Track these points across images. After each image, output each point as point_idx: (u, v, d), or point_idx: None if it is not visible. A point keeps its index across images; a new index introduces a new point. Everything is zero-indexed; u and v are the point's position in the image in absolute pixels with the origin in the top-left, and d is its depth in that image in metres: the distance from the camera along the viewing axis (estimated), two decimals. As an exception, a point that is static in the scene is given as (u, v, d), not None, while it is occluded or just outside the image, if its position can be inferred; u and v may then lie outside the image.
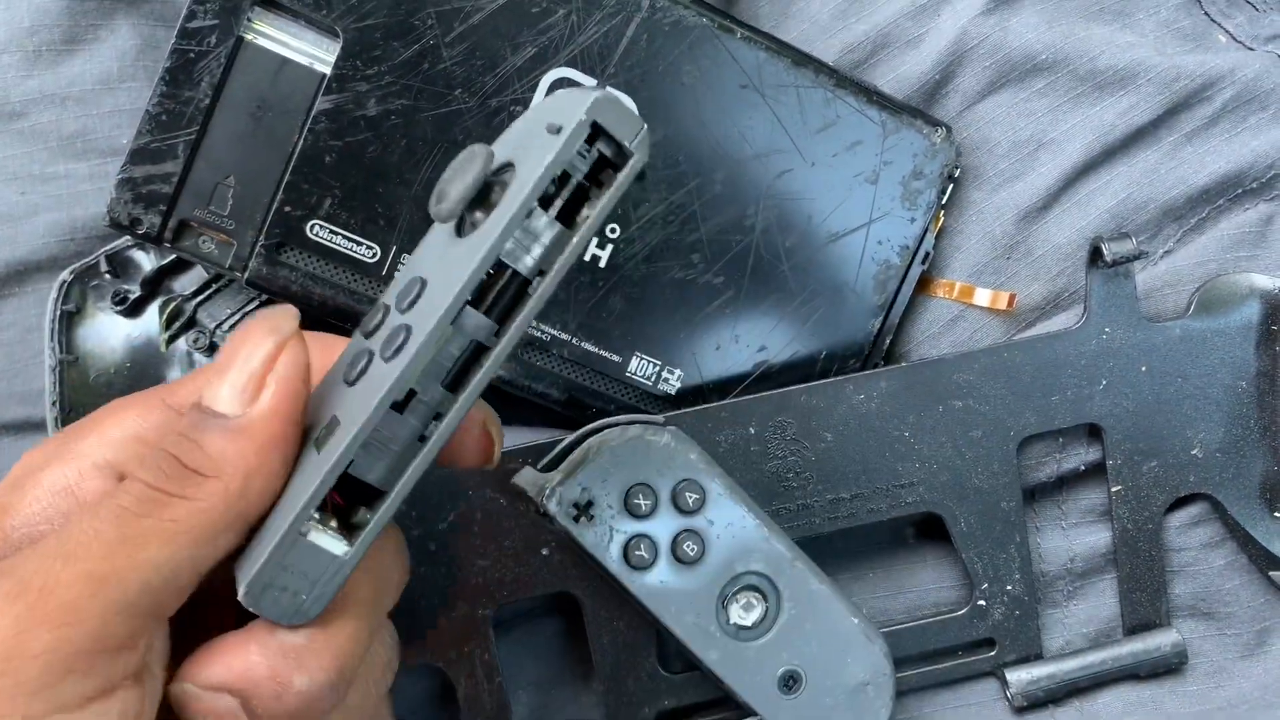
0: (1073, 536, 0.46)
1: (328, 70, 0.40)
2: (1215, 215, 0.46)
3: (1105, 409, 0.44)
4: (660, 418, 0.41)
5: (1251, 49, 0.49)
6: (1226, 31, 0.49)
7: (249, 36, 0.40)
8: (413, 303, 0.29)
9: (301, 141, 0.40)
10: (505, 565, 0.42)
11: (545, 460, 0.40)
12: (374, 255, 0.42)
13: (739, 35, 0.42)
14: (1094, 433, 0.45)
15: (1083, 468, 0.45)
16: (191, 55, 0.39)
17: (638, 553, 0.39)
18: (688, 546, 0.39)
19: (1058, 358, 0.44)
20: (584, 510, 0.39)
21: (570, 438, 0.40)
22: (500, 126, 0.41)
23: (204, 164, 0.40)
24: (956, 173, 0.45)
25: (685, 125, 0.42)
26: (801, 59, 0.43)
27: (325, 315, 0.42)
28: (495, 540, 0.42)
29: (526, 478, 0.39)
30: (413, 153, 0.41)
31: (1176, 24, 0.49)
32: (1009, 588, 0.45)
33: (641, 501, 0.39)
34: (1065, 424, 0.44)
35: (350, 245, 0.41)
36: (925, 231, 0.45)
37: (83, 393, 0.45)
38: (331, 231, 0.41)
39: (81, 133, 0.45)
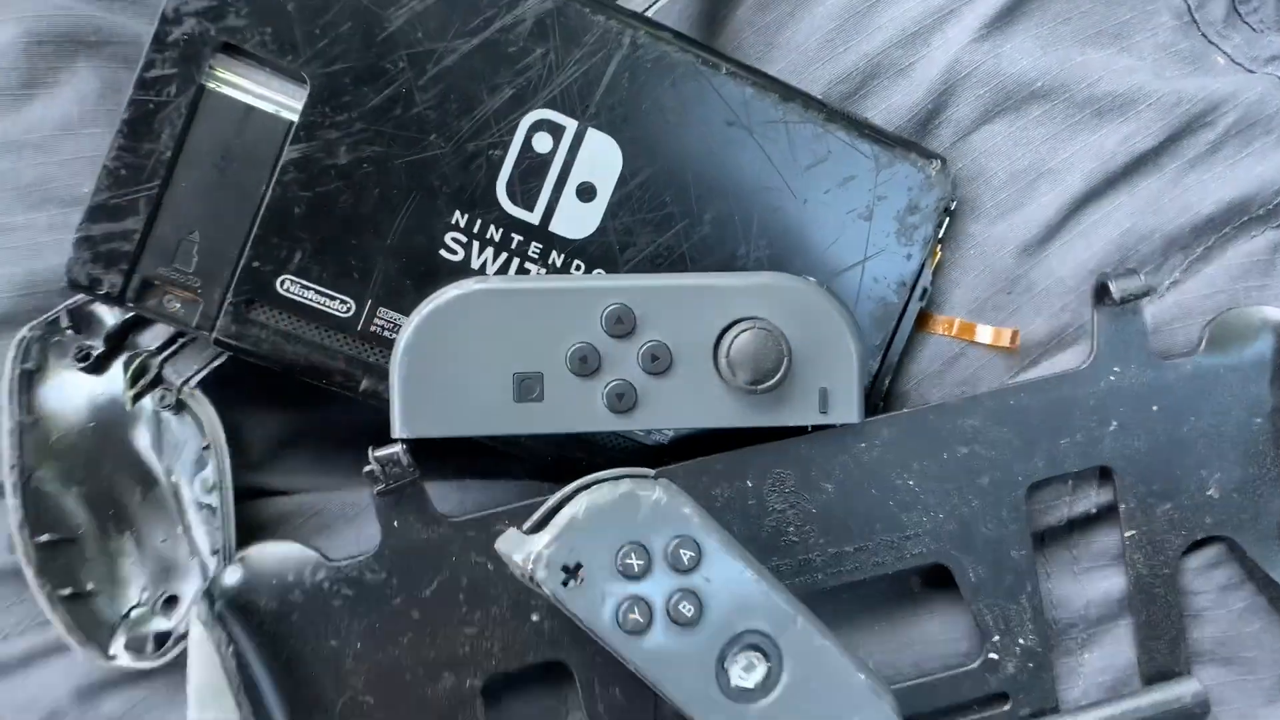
0: (1085, 582, 0.44)
1: (295, 118, 0.38)
2: (1222, 244, 0.45)
3: (1116, 451, 0.43)
4: (651, 471, 0.39)
5: (1251, 71, 0.47)
6: (1225, 53, 0.48)
7: (211, 85, 0.38)
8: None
9: (269, 193, 0.39)
10: (493, 633, 0.40)
11: (531, 521, 0.38)
12: (348, 310, 0.40)
13: (724, 71, 0.41)
14: (1105, 474, 0.43)
15: (1094, 510, 0.44)
16: (151, 106, 0.38)
17: (631, 616, 0.37)
18: (684, 607, 0.37)
19: (1066, 399, 0.42)
20: (573, 573, 0.37)
21: (556, 496, 0.38)
22: (478, 172, 0.40)
23: (167, 219, 0.38)
24: (953, 206, 0.44)
25: (671, 165, 0.41)
26: (790, 93, 0.42)
27: (299, 374, 0.40)
28: (482, 607, 0.40)
29: (511, 541, 0.37)
30: (387, 202, 0.39)
31: (1174, 46, 0.47)
32: (1021, 640, 0.43)
33: (634, 561, 0.37)
34: (1075, 468, 0.43)
35: (323, 300, 0.40)
36: (922, 267, 0.43)
37: (44, 455, 0.43)
38: (303, 286, 0.39)
39: (40, 181, 0.43)
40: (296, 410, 0.46)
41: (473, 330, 0.38)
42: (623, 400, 0.38)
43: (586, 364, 0.38)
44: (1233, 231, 0.45)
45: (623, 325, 0.38)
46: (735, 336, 0.38)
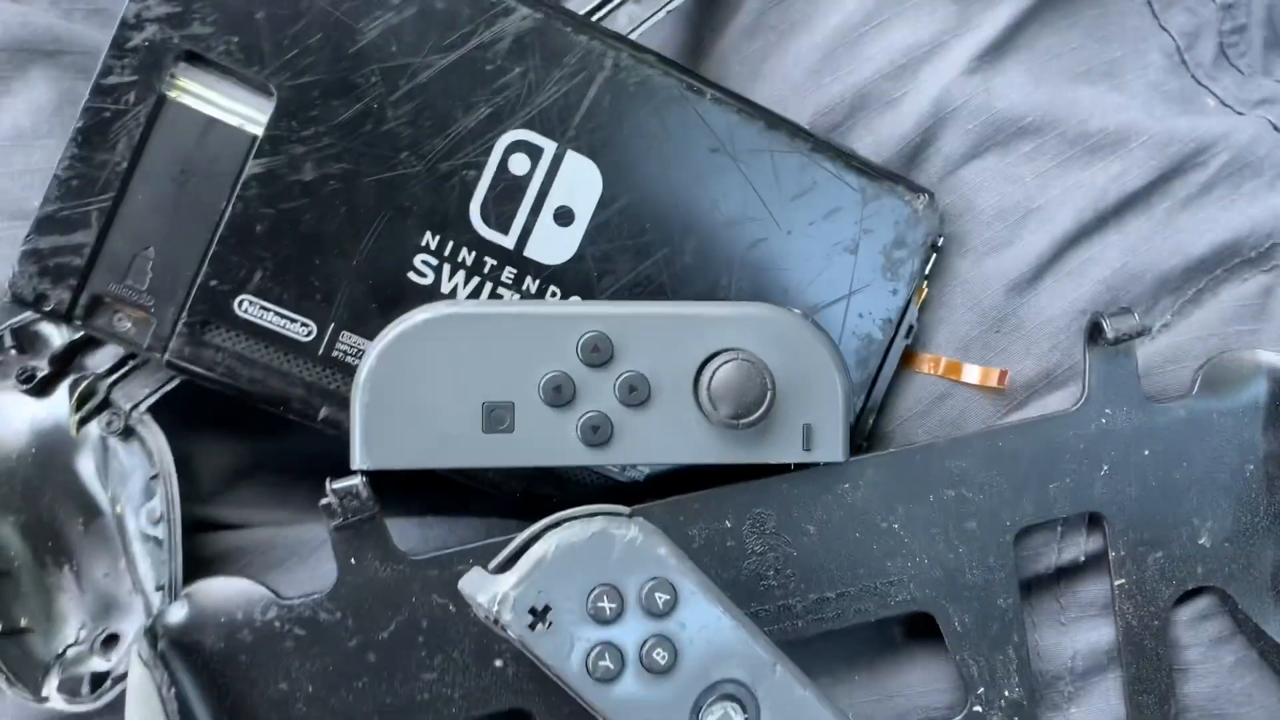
0: (1073, 633, 0.42)
1: (259, 131, 0.37)
2: (1213, 286, 0.44)
3: (1107, 496, 0.41)
4: (626, 509, 0.37)
5: (1241, 113, 0.47)
6: (1214, 95, 0.47)
7: (172, 94, 0.36)
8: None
9: (230, 209, 0.37)
10: (454, 679, 0.38)
11: (497, 560, 0.36)
12: (309, 334, 0.38)
13: (709, 96, 0.40)
14: (1094, 521, 0.42)
15: (1082, 558, 0.42)
16: (107, 114, 0.36)
17: (602, 663, 0.35)
18: (658, 654, 0.35)
19: (1056, 442, 0.41)
20: (541, 616, 0.35)
21: (525, 534, 0.36)
22: (451, 193, 0.38)
23: (120, 234, 0.36)
24: (940, 241, 0.42)
25: (652, 192, 0.39)
26: (776, 121, 0.40)
27: (255, 400, 0.38)
28: (443, 650, 0.38)
29: (476, 582, 0.35)
30: (353, 221, 0.37)
31: (1164, 86, 0.47)
32: (1006, 692, 0.41)
33: (606, 604, 0.35)
34: (1064, 513, 0.41)
35: (283, 323, 0.38)
36: (909, 304, 0.42)
37: (-18, 482, 0.40)
38: (262, 308, 0.37)
39: None
40: (251, 439, 0.44)
41: (440, 356, 0.36)
42: (598, 433, 0.37)
43: (560, 394, 0.36)
44: (1224, 274, 0.44)
45: (599, 354, 0.36)
46: (717, 368, 0.37)
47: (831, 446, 0.38)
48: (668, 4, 0.43)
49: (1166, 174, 0.44)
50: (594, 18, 0.42)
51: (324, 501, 0.36)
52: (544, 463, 0.37)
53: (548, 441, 0.37)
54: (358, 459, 0.36)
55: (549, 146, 0.38)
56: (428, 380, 0.36)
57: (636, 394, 0.37)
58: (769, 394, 0.37)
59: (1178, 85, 0.47)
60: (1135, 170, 0.44)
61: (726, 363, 0.37)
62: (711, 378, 0.37)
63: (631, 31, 0.42)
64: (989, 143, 0.44)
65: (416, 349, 0.36)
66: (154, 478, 0.40)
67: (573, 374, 0.36)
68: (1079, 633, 0.42)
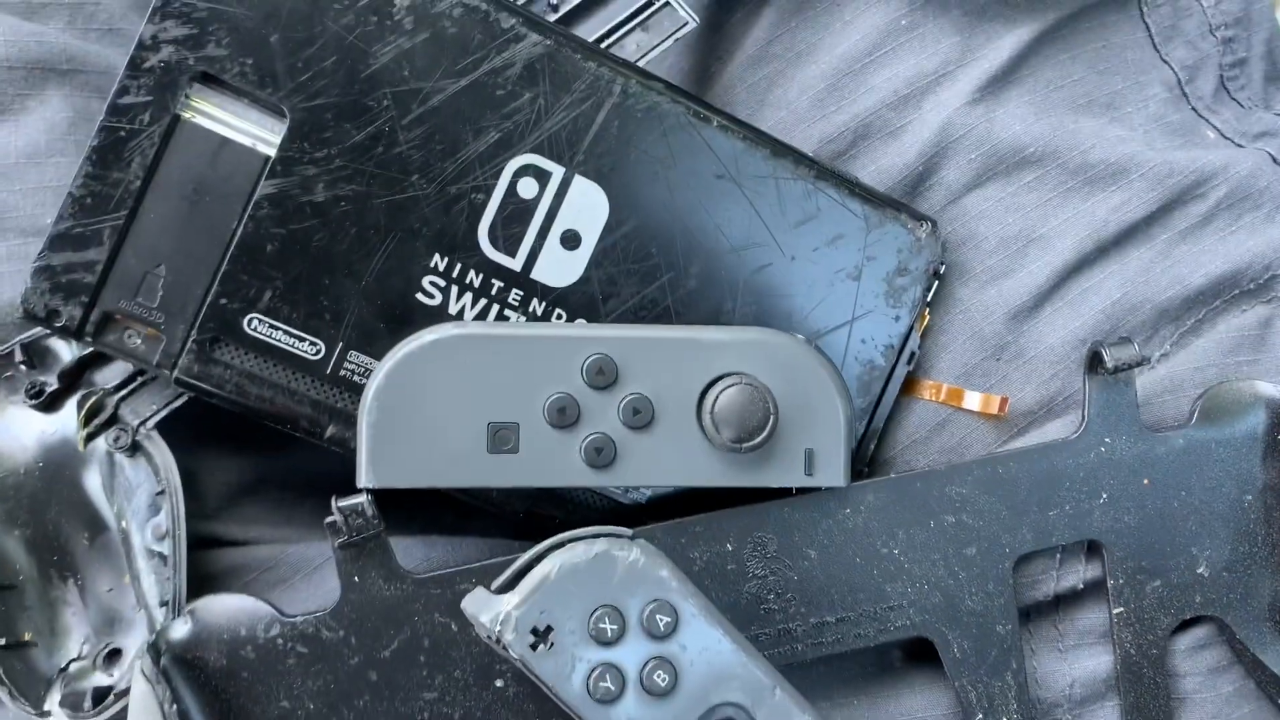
0: (1071, 660, 0.42)
1: (272, 152, 0.37)
2: (1212, 317, 0.44)
3: (1106, 524, 0.41)
4: (628, 531, 0.37)
5: (1241, 145, 0.47)
6: (1215, 127, 0.48)
7: (186, 115, 0.37)
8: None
9: (241, 228, 0.37)
10: (455, 699, 0.38)
11: (500, 580, 0.36)
12: (318, 352, 0.38)
13: (715, 123, 0.40)
14: (1093, 549, 0.42)
15: (1081, 586, 0.42)
16: (122, 134, 0.36)
17: (603, 684, 0.35)
18: (658, 676, 0.35)
19: (1055, 469, 0.41)
20: (543, 636, 0.35)
21: (528, 555, 0.36)
22: (460, 215, 0.38)
23: (132, 252, 0.37)
24: (942, 269, 0.43)
25: (658, 216, 0.40)
26: (780, 149, 0.41)
27: (262, 418, 0.38)
28: (444, 670, 0.38)
29: (479, 601, 0.35)
30: (363, 242, 0.38)
31: (1165, 118, 0.47)
32: (1005, 719, 0.41)
33: (608, 625, 0.35)
34: (1064, 540, 0.41)
35: (292, 341, 0.38)
36: (910, 330, 0.42)
37: (-10, 496, 0.41)
38: (271, 326, 0.38)
39: (1, 210, 0.42)
40: (256, 457, 0.44)
41: (447, 377, 0.36)
42: (601, 455, 0.37)
43: (565, 415, 0.36)
44: (1223, 305, 0.44)
45: (604, 376, 0.37)
46: (720, 392, 0.37)
47: (833, 471, 0.38)
48: (675, 32, 0.43)
49: (1166, 205, 0.45)
50: (603, 45, 0.42)
51: (329, 519, 0.37)
52: (547, 483, 0.37)
53: (552, 462, 0.37)
54: (364, 477, 0.36)
55: (557, 171, 0.39)
56: (434, 400, 0.36)
57: (640, 416, 0.37)
58: (771, 418, 0.37)
59: (1178, 118, 0.47)
60: (1135, 201, 0.44)
61: (730, 387, 0.37)
62: (715, 401, 0.37)
63: (639, 59, 0.42)
64: (991, 172, 0.45)
65: (423, 369, 0.36)
66: (160, 494, 0.40)
67: (577, 396, 0.37)
68: (1077, 660, 0.42)
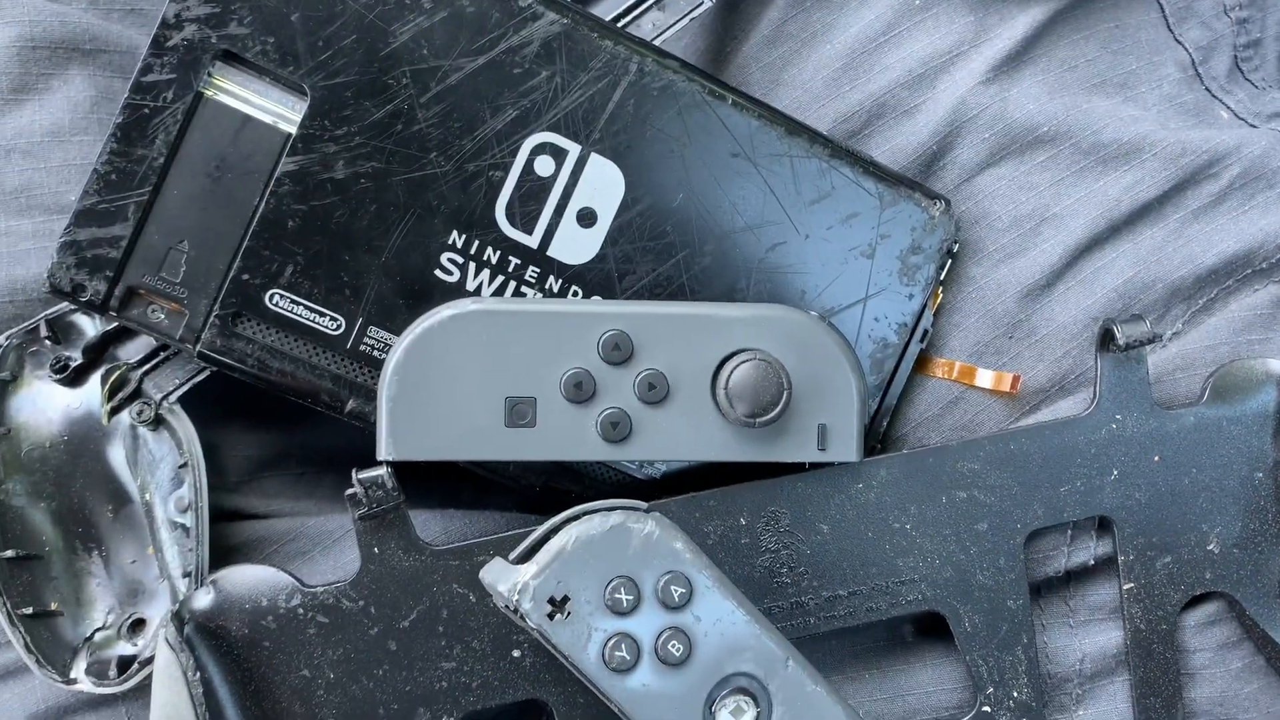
0: (1081, 635, 0.43)
1: (293, 130, 0.38)
2: (1224, 296, 0.45)
3: (1116, 501, 0.42)
4: (643, 504, 0.37)
5: (1255, 126, 0.47)
6: (1228, 108, 0.48)
7: (209, 92, 0.37)
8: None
9: (263, 205, 0.38)
10: (472, 668, 0.39)
11: (517, 551, 0.37)
12: (338, 327, 0.39)
13: (730, 102, 0.40)
14: (1104, 525, 0.43)
15: (1092, 562, 0.43)
16: (146, 111, 0.37)
17: (618, 653, 0.36)
18: (673, 646, 0.36)
19: (1067, 446, 0.42)
20: (560, 606, 0.35)
21: (545, 526, 0.37)
22: (477, 192, 0.39)
23: (156, 227, 0.37)
24: (956, 247, 0.43)
25: (673, 194, 0.40)
26: (795, 128, 0.41)
27: (283, 392, 0.39)
28: (462, 640, 0.39)
29: (496, 571, 0.36)
30: (383, 218, 0.38)
31: (1179, 99, 0.47)
32: (1015, 693, 0.41)
33: (623, 596, 0.36)
34: (1075, 516, 0.42)
35: (312, 316, 0.38)
36: (924, 308, 0.43)
37: (14, 467, 0.41)
38: (292, 301, 0.38)
39: (26, 187, 0.42)
40: (277, 431, 0.45)
41: (465, 351, 0.37)
42: (617, 429, 0.37)
43: (581, 390, 0.37)
44: (1235, 284, 0.45)
45: (620, 352, 0.37)
46: (735, 368, 0.38)
47: (846, 446, 0.39)
48: (691, 11, 0.43)
49: (1179, 185, 0.45)
50: (619, 24, 0.43)
51: (350, 491, 0.37)
52: (564, 457, 0.38)
53: (568, 436, 0.37)
54: (384, 450, 0.36)
55: (573, 149, 0.39)
56: (452, 375, 0.37)
57: (655, 392, 0.37)
58: (785, 393, 0.37)
59: (1192, 98, 0.47)
60: (1148, 181, 0.44)
61: (744, 362, 0.38)
62: (729, 377, 0.38)
63: (656, 38, 0.43)
64: (1004, 152, 0.45)
65: (442, 344, 0.37)
66: (183, 466, 0.41)
67: (593, 371, 0.37)
68: (1088, 635, 0.43)
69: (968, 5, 0.46)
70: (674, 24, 0.43)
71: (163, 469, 0.41)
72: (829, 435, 0.39)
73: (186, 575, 0.40)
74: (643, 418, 0.38)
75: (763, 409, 0.37)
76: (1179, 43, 0.48)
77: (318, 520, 0.44)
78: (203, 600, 0.38)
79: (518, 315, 0.37)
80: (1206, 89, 0.48)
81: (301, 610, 0.38)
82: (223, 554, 0.42)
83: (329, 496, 0.44)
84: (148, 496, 0.41)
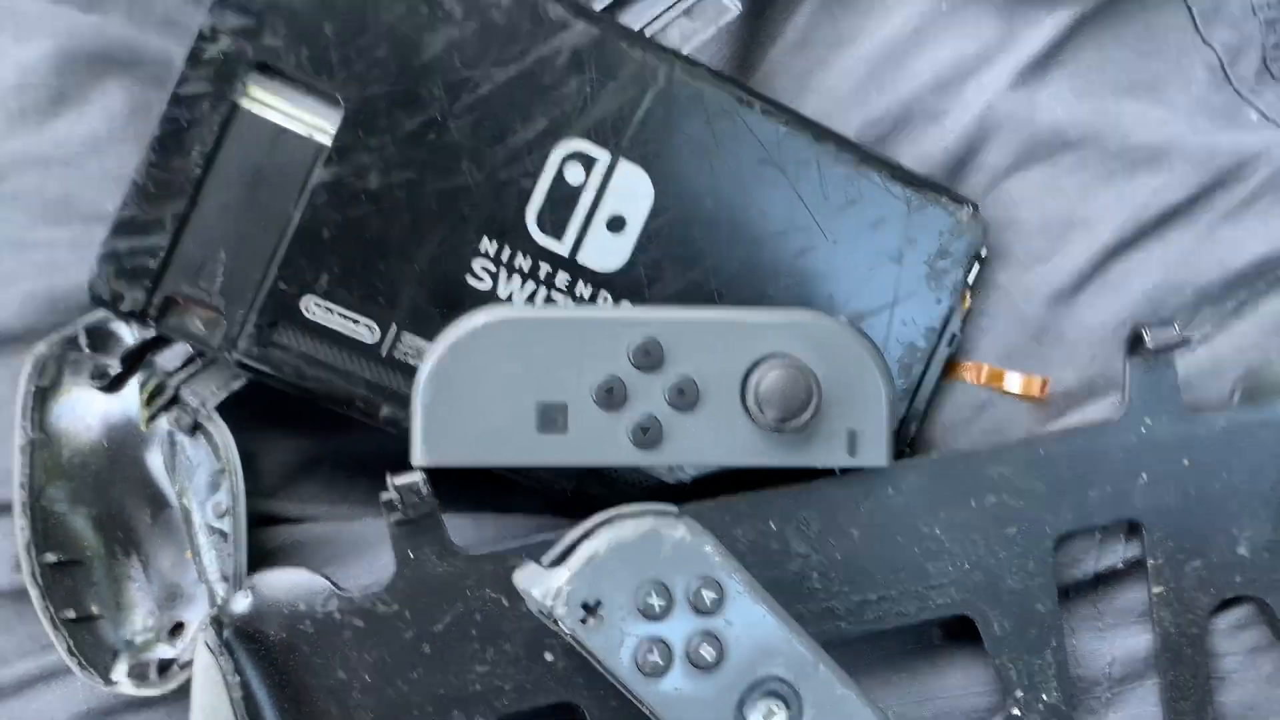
0: (1110, 639, 0.43)
1: (328, 140, 0.38)
2: (1254, 299, 0.45)
3: (1146, 505, 0.42)
4: (675, 508, 0.38)
5: (1284, 128, 0.47)
6: (1258, 109, 0.48)
7: (244, 104, 0.38)
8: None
9: (298, 215, 0.38)
10: (505, 671, 0.39)
11: (550, 556, 0.37)
12: (373, 335, 0.39)
13: (758, 109, 0.41)
14: (1133, 529, 0.43)
15: (1120, 565, 0.43)
16: (183, 123, 0.37)
17: (651, 657, 0.36)
18: (704, 650, 0.36)
19: (1096, 450, 0.42)
20: (592, 611, 0.36)
21: (577, 530, 0.37)
22: (508, 201, 0.39)
23: (193, 238, 0.38)
24: (984, 252, 0.43)
25: (702, 201, 0.40)
26: (823, 134, 0.41)
27: (319, 399, 0.40)
28: (495, 643, 0.39)
29: (530, 576, 0.36)
30: (416, 227, 0.39)
31: (1208, 101, 0.47)
32: (1045, 696, 0.42)
33: (655, 601, 0.36)
34: (1104, 521, 0.42)
35: (348, 324, 0.39)
36: (952, 313, 0.43)
37: (54, 473, 0.42)
38: (328, 310, 0.39)
39: (65, 197, 0.43)
40: (312, 436, 0.46)
41: (497, 358, 0.37)
42: (648, 434, 0.38)
43: (612, 396, 0.37)
44: (1265, 287, 0.44)
45: (650, 358, 0.38)
46: (764, 373, 0.38)
47: (876, 451, 0.39)
48: (719, 19, 0.44)
49: (1208, 187, 0.45)
50: (648, 32, 0.43)
51: (385, 497, 0.38)
52: (595, 462, 0.38)
53: (599, 442, 0.38)
54: (418, 455, 0.37)
55: (603, 156, 0.40)
56: (485, 381, 0.37)
57: (685, 397, 0.38)
58: (814, 398, 0.38)
59: (1221, 100, 0.47)
60: (1177, 184, 0.44)
61: (773, 368, 0.38)
62: (758, 382, 0.38)
63: (684, 46, 0.43)
64: (1032, 156, 0.45)
65: (474, 351, 0.37)
66: (220, 472, 0.41)
67: (624, 377, 0.37)
68: (1117, 639, 0.43)
69: (994, 9, 0.46)
70: (702, 32, 0.44)
71: (200, 474, 0.42)
72: (859, 440, 0.39)
73: (224, 579, 0.41)
74: (673, 423, 0.38)
75: (792, 414, 0.38)
76: (1207, 44, 0.48)
77: (352, 524, 0.45)
78: (241, 604, 0.38)
79: (549, 323, 0.38)
80: (1235, 91, 0.48)
81: (338, 614, 0.39)
82: (260, 558, 0.43)
83: (363, 500, 0.45)
84: (185, 501, 0.42)
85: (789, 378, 0.38)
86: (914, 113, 0.45)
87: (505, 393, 0.37)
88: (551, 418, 0.37)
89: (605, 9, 0.43)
